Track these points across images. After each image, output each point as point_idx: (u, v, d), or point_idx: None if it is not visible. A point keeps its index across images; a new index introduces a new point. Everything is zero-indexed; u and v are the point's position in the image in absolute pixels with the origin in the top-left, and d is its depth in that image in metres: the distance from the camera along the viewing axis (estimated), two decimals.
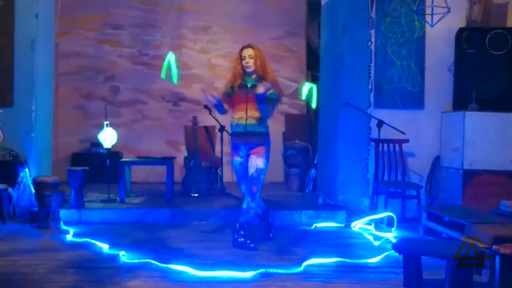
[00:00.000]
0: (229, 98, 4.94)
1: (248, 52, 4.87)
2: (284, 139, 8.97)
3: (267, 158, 4.91)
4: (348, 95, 6.46)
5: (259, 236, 5.13)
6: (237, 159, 4.94)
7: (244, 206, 4.87)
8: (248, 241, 4.83)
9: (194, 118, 7.35)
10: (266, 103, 4.75)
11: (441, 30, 6.35)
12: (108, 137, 6.54)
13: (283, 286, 3.75)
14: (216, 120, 7.25)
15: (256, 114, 4.84)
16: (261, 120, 4.88)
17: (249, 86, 4.87)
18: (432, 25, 6.12)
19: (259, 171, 4.84)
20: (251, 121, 4.83)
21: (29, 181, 5.97)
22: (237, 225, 4.89)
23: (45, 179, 5.82)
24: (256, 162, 4.84)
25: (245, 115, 4.84)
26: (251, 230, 4.96)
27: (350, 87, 6.49)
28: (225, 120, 7.00)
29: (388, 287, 3.78)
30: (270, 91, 4.74)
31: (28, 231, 5.46)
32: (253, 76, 4.89)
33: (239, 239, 4.84)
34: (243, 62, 4.87)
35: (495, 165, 5.92)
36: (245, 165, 4.92)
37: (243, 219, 4.88)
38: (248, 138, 4.84)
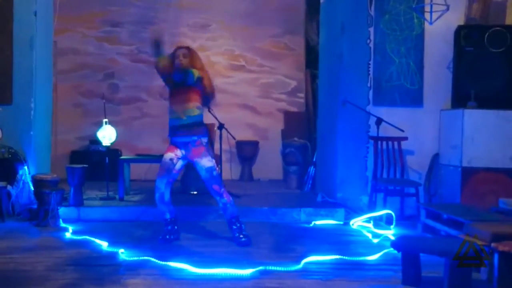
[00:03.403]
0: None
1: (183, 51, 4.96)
2: (283, 136, 8.98)
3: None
4: (347, 93, 6.46)
5: None
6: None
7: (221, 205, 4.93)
8: (241, 236, 4.86)
9: None
10: None
11: (440, 28, 6.34)
12: (107, 135, 6.54)
13: (282, 283, 3.75)
14: (215, 117, 7.24)
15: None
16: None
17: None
18: (431, 23, 6.12)
19: (210, 169, 4.91)
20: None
21: (28, 179, 5.97)
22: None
23: (44, 176, 5.82)
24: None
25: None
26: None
27: (349, 85, 6.48)
28: (224, 118, 7.02)
29: (387, 285, 3.78)
30: None
31: (27, 228, 5.47)
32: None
33: (237, 235, 4.89)
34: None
35: (494, 162, 5.92)
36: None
37: (228, 216, 4.92)
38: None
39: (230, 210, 4.89)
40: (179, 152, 4.92)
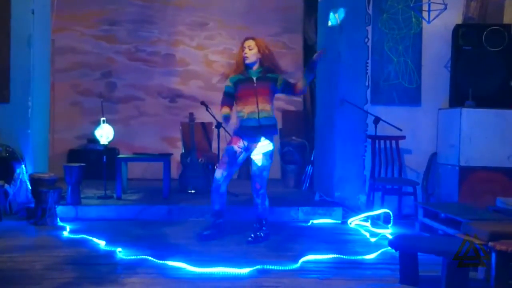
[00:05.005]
0: (231, 97, 4.92)
1: (248, 43, 4.91)
2: (281, 135, 8.95)
3: (271, 155, 4.97)
4: (345, 92, 6.46)
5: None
6: (236, 148, 4.90)
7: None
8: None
9: (191, 114, 7.35)
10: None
11: (437, 27, 6.35)
12: (104, 134, 6.53)
13: (280, 282, 3.75)
14: (213, 116, 7.24)
15: (268, 107, 4.87)
16: (272, 112, 4.94)
17: (254, 78, 4.88)
18: (429, 22, 6.12)
19: (262, 168, 4.91)
20: (264, 114, 4.84)
21: (26, 178, 5.96)
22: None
23: (41, 175, 5.81)
24: (260, 159, 4.91)
25: (256, 109, 4.83)
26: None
27: (347, 84, 6.50)
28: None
29: (384, 284, 3.78)
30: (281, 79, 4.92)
31: (24, 227, 5.46)
32: (255, 68, 4.91)
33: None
34: (243, 53, 4.92)
35: (492, 161, 5.93)
36: (239, 157, 4.93)
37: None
38: (262, 131, 4.85)
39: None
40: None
